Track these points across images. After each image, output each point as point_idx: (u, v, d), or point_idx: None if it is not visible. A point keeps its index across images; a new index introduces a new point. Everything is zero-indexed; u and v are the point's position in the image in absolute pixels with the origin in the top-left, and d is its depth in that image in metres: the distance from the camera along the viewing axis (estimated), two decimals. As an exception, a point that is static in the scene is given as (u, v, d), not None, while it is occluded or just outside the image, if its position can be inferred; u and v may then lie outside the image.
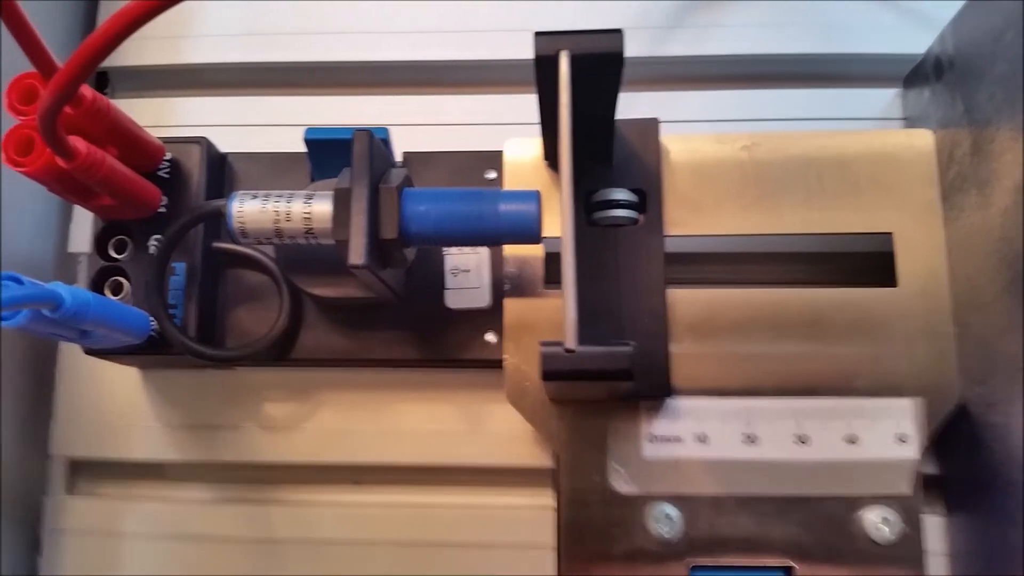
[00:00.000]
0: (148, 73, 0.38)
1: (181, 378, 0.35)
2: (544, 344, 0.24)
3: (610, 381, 0.24)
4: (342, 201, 0.26)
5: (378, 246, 0.26)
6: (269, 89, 0.38)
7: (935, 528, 0.31)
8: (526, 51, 0.34)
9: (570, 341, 0.23)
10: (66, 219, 0.37)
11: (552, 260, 0.31)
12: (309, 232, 0.27)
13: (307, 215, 0.27)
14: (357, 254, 0.25)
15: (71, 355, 0.35)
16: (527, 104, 0.35)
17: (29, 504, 0.35)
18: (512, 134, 0.33)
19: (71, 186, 0.28)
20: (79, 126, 0.27)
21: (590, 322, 0.29)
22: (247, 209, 0.27)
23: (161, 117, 0.37)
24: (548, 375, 0.23)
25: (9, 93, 0.27)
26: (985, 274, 0.28)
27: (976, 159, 0.29)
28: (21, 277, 0.24)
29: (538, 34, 0.25)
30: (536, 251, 0.31)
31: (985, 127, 0.28)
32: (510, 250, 0.31)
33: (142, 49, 0.37)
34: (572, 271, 0.23)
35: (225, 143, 0.34)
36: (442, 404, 0.34)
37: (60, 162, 0.26)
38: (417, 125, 0.36)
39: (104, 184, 0.28)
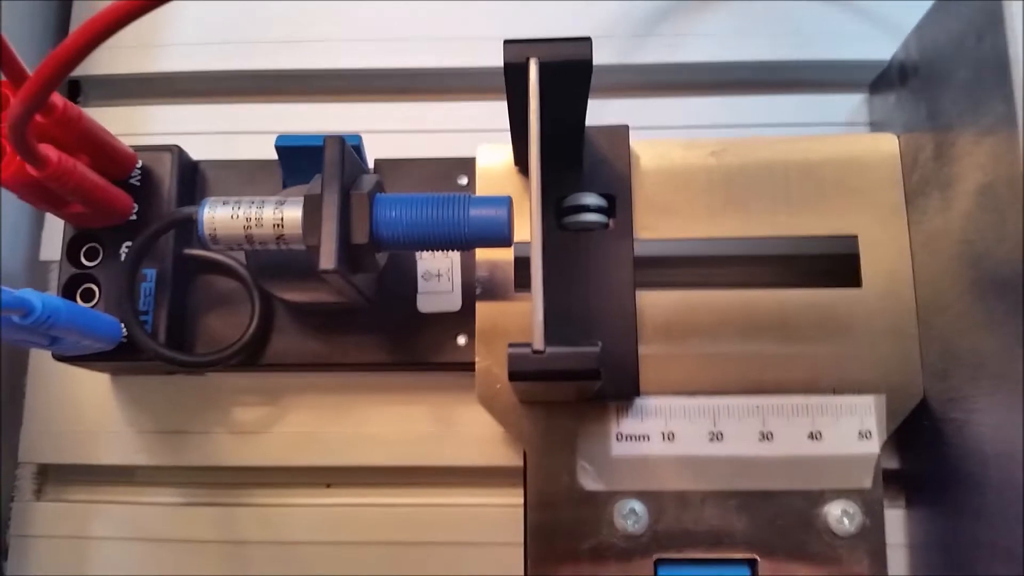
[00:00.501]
0: (120, 81, 0.38)
1: (151, 384, 0.35)
2: (512, 346, 0.24)
3: (578, 381, 0.24)
4: (313, 207, 0.26)
5: (349, 251, 0.27)
6: (241, 97, 0.38)
7: (895, 521, 0.32)
8: (499, 59, 0.34)
9: (537, 342, 0.23)
10: (38, 227, 0.37)
11: (523, 265, 0.31)
12: (280, 238, 0.27)
13: (278, 221, 0.27)
14: (327, 259, 0.26)
15: (41, 362, 0.36)
16: (499, 111, 0.35)
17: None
18: (485, 140, 0.33)
19: (42, 194, 0.28)
20: (50, 134, 0.27)
21: (560, 324, 0.29)
22: (218, 215, 0.27)
23: (133, 125, 0.37)
24: (515, 375, 0.24)
25: (-21, 101, 0.27)
26: (947, 276, 0.29)
27: (938, 163, 0.29)
28: None
29: (507, 42, 0.25)
30: (507, 256, 0.32)
31: (947, 132, 0.29)
32: (481, 255, 0.32)
33: (114, 58, 0.37)
34: (539, 274, 0.24)
35: (198, 151, 0.34)
36: (413, 406, 0.34)
37: (31, 171, 0.26)
38: (390, 132, 0.36)
39: (75, 192, 0.28)
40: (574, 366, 0.24)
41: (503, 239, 0.27)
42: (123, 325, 0.30)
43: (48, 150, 0.26)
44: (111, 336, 0.29)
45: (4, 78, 0.26)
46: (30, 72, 0.24)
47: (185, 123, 0.37)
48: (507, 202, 0.27)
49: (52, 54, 0.23)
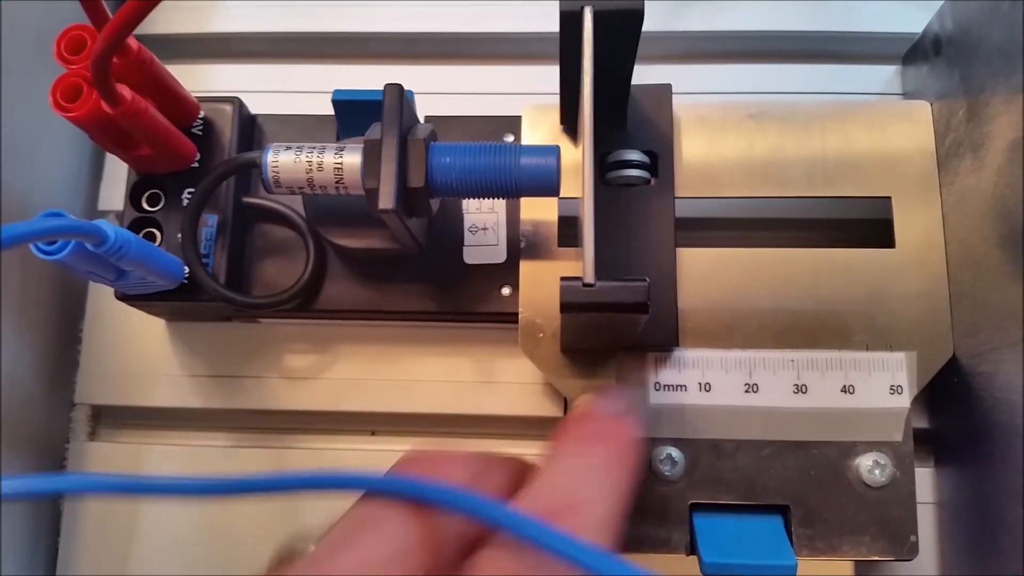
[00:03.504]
0: (176, 41, 0.39)
1: (205, 330, 0.36)
2: (564, 279, 0.25)
3: (627, 313, 0.25)
4: (372, 150, 0.28)
5: (406, 194, 0.28)
6: (295, 58, 0.39)
7: (924, 480, 0.33)
8: (543, 24, 0.35)
9: (589, 276, 0.25)
10: (96, 178, 0.38)
11: (565, 223, 0.33)
12: (339, 182, 0.29)
13: (338, 165, 0.28)
14: (386, 199, 0.27)
15: (98, 307, 0.37)
16: (541, 75, 0.37)
17: (53, 451, 0.36)
18: (526, 104, 0.34)
19: (113, 134, 0.30)
20: (124, 76, 0.29)
21: (603, 274, 0.30)
22: (281, 159, 0.29)
23: (189, 83, 0.38)
24: (566, 307, 0.25)
25: (58, 43, 0.28)
26: (979, 232, 0.30)
27: (972, 124, 0.30)
28: (64, 212, 0.25)
29: (563, -9, 0.26)
30: (550, 215, 0.33)
31: (980, 94, 0.30)
32: (526, 213, 0.33)
33: (171, 18, 0.39)
34: (591, 212, 0.25)
35: (252, 109, 0.35)
36: (456, 357, 0.35)
37: (106, 108, 0.27)
38: (437, 94, 0.37)
39: (145, 132, 0.29)
40: (623, 298, 0.25)
41: (551, 187, 0.29)
42: (185, 266, 0.31)
43: (123, 89, 0.27)
44: (174, 274, 0.30)
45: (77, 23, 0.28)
46: (110, 15, 0.26)
47: (239, 82, 0.38)
48: (556, 151, 0.29)
49: (134, -6, 0.24)
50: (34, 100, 0.31)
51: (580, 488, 0.24)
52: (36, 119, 0.34)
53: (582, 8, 0.26)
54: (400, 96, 0.28)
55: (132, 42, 0.28)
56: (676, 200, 0.32)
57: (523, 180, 0.29)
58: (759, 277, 0.32)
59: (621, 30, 0.27)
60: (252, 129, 0.35)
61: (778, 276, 0.32)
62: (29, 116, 0.34)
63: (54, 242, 0.26)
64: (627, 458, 0.26)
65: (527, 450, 0.35)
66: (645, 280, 0.25)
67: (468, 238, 0.33)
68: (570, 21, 0.26)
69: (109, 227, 0.26)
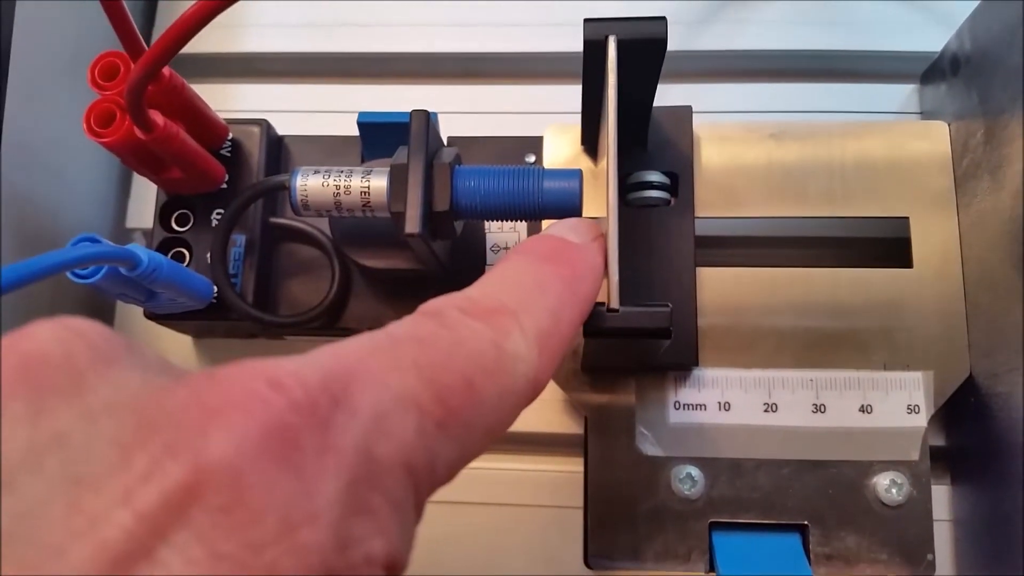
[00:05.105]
0: (205, 60, 0.40)
1: (232, 347, 0.37)
2: (588, 304, 0.25)
3: (650, 338, 0.26)
4: (399, 175, 0.28)
5: (431, 218, 0.28)
6: (321, 78, 0.40)
7: (940, 497, 0.33)
8: (564, 44, 0.36)
9: (613, 301, 0.25)
10: (124, 197, 0.39)
11: (586, 241, 0.33)
12: (367, 205, 0.29)
13: (365, 189, 0.29)
14: (412, 224, 0.27)
15: (127, 324, 0.38)
16: (563, 95, 0.37)
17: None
18: (547, 123, 0.35)
19: (144, 158, 0.30)
20: (155, 102, 0.29)
21: (624, 295, 0.31)
22: (310, 183, 0.29)
23: (217, 102, 0.38)
24: (591, 332, 0.25)
25: (92, 69, 0.29)
26: (995, 254, 0.30)
27: (989, 147, 0.31)
28: (98, 237, 0.26)
29: (587, 20, 0.27)
30: (570, 233, 0.33)
31: (999, 116, 0.30)
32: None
33: (199, 38, 0.39)
34: (615, 236, 0.25)
35: (278, 128, 0.36)
36: (478, 375, 0.36)
37: (139, 134, 0.28)
38: (460, 113, 0.38)
39: (176, 157, 0.30)
40: (647, 324, 0.25)
41: (574, 210, 0.29)
42: (214, 286, 0.32)
43: (155, 115, 0.28)
44: (204, 295, 0.31)
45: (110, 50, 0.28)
46: (145, 45, 0.26)
47: (264, 101, 0.39)
48: (578, 175, 0.29)
49: (172, 26, 0.25)
50: (65, 120, 0.31)
51: (513, 296, 0.21)
52: (67, 138, 0.35)
53: (606, 37, 0.26)
54: (426, 122, 0.28)
55: (164, 69, 0.29)
56: (696, 220, 0.33)
57: (546, 203, 0.29)
58: (778, 296, 0.33)
59: (644, 57, 0.27)
60: (279, 150, 0.35)
61: (797, 295, 0.33)
62: (60, 136, 0.35)
63: (87, 267, 0.27)
64: (579, 283, 0.23)
65: (547, 467, 0.35)
66: (668, 306, 0.25)
67: (491, 257, 0.34)
68: (594, 49, 0.27)
69: (143, 251, 0.27)
